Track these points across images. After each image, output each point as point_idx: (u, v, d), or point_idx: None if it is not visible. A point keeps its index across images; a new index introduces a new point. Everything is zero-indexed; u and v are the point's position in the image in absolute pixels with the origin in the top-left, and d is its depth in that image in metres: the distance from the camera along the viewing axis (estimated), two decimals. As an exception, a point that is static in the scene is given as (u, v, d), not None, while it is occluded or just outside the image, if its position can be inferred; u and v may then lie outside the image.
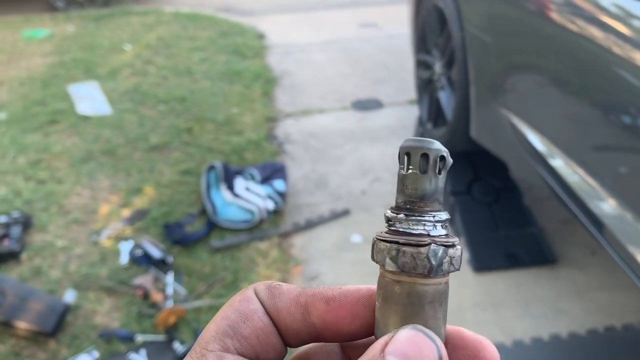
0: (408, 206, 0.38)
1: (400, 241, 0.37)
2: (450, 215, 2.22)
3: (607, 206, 1.69)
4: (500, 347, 2.03)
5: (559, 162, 1.89)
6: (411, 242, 0.37)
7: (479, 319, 2.17)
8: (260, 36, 5.28)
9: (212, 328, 0.35)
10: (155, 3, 6.46)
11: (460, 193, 2.62)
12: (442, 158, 0.38)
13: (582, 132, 1.84)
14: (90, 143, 3.47)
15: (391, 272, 0.37)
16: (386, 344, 0.32)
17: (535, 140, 1.99)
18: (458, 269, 0.38)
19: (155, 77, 4.42)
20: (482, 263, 2.40)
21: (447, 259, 0.37)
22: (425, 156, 0.38)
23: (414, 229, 0.38)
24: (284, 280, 2.39)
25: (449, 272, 0.38)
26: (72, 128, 3.66)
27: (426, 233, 0.38)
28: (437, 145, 0.38)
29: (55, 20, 5.85)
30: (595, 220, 1.72)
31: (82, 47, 5.10)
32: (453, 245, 0.38)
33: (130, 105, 3.96)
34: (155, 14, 5.91)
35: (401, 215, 0.38)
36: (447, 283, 0.38)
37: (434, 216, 0.38)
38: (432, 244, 0.37)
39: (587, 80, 1.77)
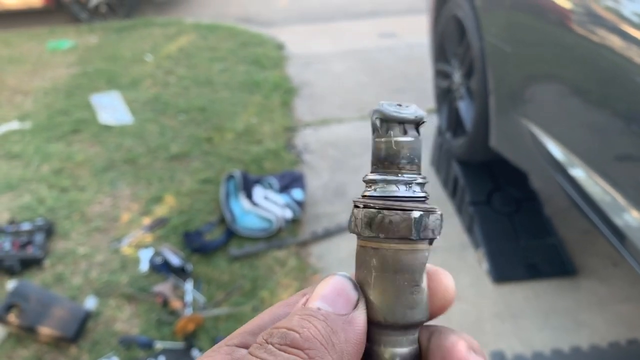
0: (383, 169, 0.37)
1: (372, 204, 0.36)
2: (470, 225, 2.19)
3: (629, 217, 1.67)
4: (519, 359, 2.01)
5: (579, 172, 1.87)
6: (386, 205, 0.35)
7: (498, 330, 2.15)
8: (280, 47, 5.32)
9: (247, 324, 0.38)
10: (177, 14, 6.55)
11: (480, 203, 2.60)
12: (419, 121, 0.37)
13: (604, 142, 1.83)
14: (112, 152, 3.53)
15: (365, 237, 0.36)
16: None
17: (555, 150, 1.97)
18: (436, 237, 0.37)
19: (176, 87, 4.47)
20: (502, 274, 2.38)
21: (425, 224, 0.36)
22: (400, 120, 0.37)
23: (389, 193, 0.36)
24: (300, 289, 2.39)
25: (426, 239, 0.36)
26: (94, 137, 3.72)
27: (403, 196, 0.36)
28: (412, 109, 0.37)
29: (79, 31, 5.96)
30: (617, 232, 1.70)
31: (105, 57, 5.19)
32: (432, 211, 0.36)
33: (151, 115, 4.01)
34: (176, 25, 5.99)
35: (376, 178, 0.37)
36: (424, 251, 0.36)
37: (411, 179, 0.37)
38: (412, 209, 0.35)
39: (608, 90, 1.76)
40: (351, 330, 0.34)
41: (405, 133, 0.37)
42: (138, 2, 6.43)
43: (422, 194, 0.37)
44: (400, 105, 0.37)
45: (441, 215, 0.37)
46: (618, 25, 1.65)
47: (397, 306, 0.36)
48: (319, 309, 0.34)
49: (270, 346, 0.32)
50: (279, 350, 0.32)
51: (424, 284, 0.37)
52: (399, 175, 0.36)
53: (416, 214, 0.35)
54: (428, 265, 0.37)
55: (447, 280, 0.38)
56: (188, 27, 5.89)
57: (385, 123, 0.37)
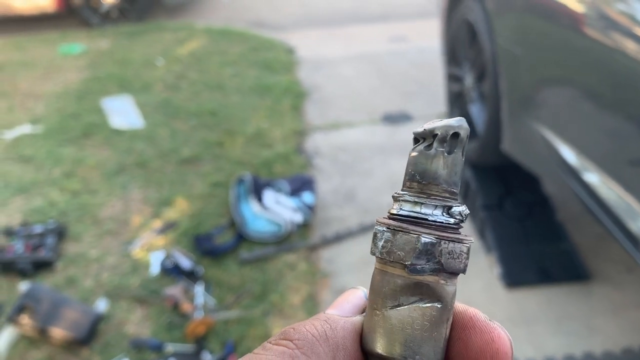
0: (413, 188, 0.34)
1: (388, 225, 0.33)
2: (481, 229, 2.18)
3: (643, 222, 1.65)
4: (532, 365, 1.99)
5: (593, 177, 1.86)
6: (398, 227, 0.32)
7: (510, 335, 2.13)
8: (290, 51, 5.34)
9: None
10: (188, 19, 6.59)
11: (492, 208, 2.59)
12: (456, 135, 0.33)
13: (618, 146, 1.81)
14: (123, 156, 3.54)
15: (378, 258, 0.34)
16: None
17: (569, 154, 1.96)
18: (449, 270, 0.32)
19: (187, 92, 4.49)
20: (514, 278, 2.36)
21: (438, 253, 0.32)
22: (453, 136, 0.33)
23: (408, 213, 0.33)
24: (312, 293, 2.39)
25: (434, 271, 0.32)
26: (105, 141, 3.74)
27: (423, 218, 0.33)
28: (462, 123, 0.33)
29: (90, 36, 6.01)
30: (632, 237, 1.68)
31: (116, 62, 5.22)
32: (458, 240, 0.32)
33: (162, 118, 4.03)
34: (187, 29, 6.02)
35: (403, 197, 0.34)
36: (448, 285, 0.32)
37: (440, 201, 0.33)
38: (423, 235, 0.32)
39: (622, 94, 1.74)
40: (351, 328, 0.34)
41: (449, 152, 0.33)
42: (149, 6, 6.47)
43: (450, 221, 0.33)
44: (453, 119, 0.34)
45: (467, 247, 0.33)
46: (631, 29, 1.64)
47: (396, 340, 0.33)
48: (325, 313, 0.36)
49: (267, 343, 0.33)
50: (273, 345, 0.33)
51: (438, 322, 0.33)
52: (452, 202, 0.33)
53: (424, 240, 0.32)
54: (478, 316, 0.34)
55: (499, 343, 0.34)
56: (199, 32, 5.92)
57: (448, 138, 0.33)
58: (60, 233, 2.75)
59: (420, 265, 0.32)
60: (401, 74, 4.70)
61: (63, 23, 6.49)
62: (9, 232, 2.74)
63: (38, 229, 2.74)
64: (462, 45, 2.85)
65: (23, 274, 2.53)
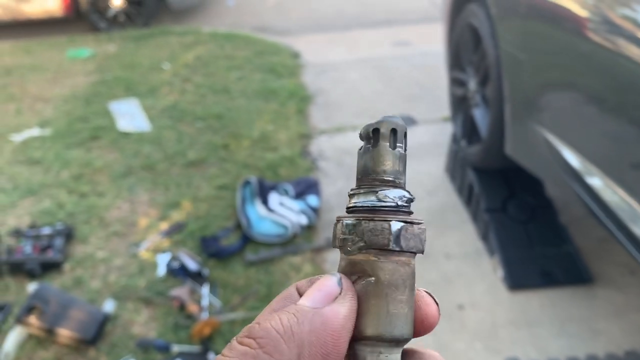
0: (368, 182, 0.37)
1: (352, 217, 0.36)
2: (484, 232, 2.18)
3: (645, 224, 1.67)
4: (535, 366, 2.01)
5: (596, 180, 1.87)
6: (366, 217, 0.35)
7: (513, 337, 2.15)
8: (296, 55, 5.37)
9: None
10: (194, 23, 6.63)
11: (495, 210, 2.60)
12: (395, 131, 0.37)
13: (621, 150, 1.83)
14: (130, 158, 3.58)
15: (345, 249, 0.36)
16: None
17: (572, 157, 1.98)
18: (419, 250, 0.36)
19: (193, 95, 4.53)
20: (517, 281, 2.38)
21: (405, 235, 0.35)
22: (374, 131, 0.37)
23: (370, 204, 0.36)
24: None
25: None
26: (113, 144, 3.78)
27: (384, 206, 0.36)
28: (397, 119, 0.37)
29: (98, 40, 6.06)
30: (635, 240, 1.70)
31: (123, 66, 5.27)
32: (414, 223, 0.36)
33: (168, 122, 4.06)
34: (193, 34, 6.06)
35: (359, 191, 0.37)
36: (405, 264, 0.35)
37: (369, 189, 0.36)
38: (392, 220, 0.35)
39: (625, 98, 1.76)
40: (319, 321, 0.33)
41: (393, 145, 0.37)
42: (156, 11, 6.52)
43: (406, 207, 0.37)
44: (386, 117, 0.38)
45: (424, 229, 0.36)
46: (635, 33, 1.65)
47: (371, 319, 0.35)
48: (297, 304, 0.35)
49: (233, 341, 0.33)
50: (237, 343, 0.33)
51: (406, 298, 0.35)
52: (382, 188, 0.36)
53: (397, 225, 0.35)
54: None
55: (427, 308, 0.37)
56: (205, 36, 5.96)
57: (371, 134, 0.37)
58: (68, 234, 2.79)
59: (348, 246, 0.35)
60: (405, 78, 4.72)
61: (71, 27, 6.55)
62: (18, 234, 2.77)
63: (46, 230, 2.78)
64: (466, 49, 2.87)
65: (31, 275, 2.56)
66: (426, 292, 0.37)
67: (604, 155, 1.89)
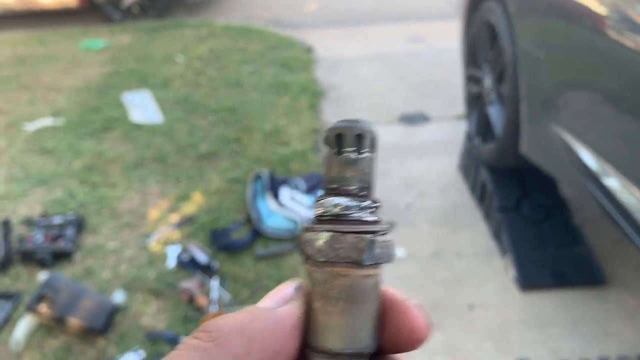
0: (331, 189, 0.36)
1: (314, 228, 0.35)
2: (497, 231, 2.16)
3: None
4: (546, 368, 1.99)
5: (612, 182, 1.85)
6: (330, 229, 0.35)
7: (525, 338, 2.12)
8: (309, 50, 5.35)
9: None
10: (207, 16, 6.63)
11: (508, 210, 2.58)
12: (361, 137, 0.35)
13: (639, 150, 1.80)
14: (142, 150, 3.58)
15: (308, 261, 0.36)
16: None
17: (588, 158, 1.95)
18: (380, 262, 0.35)
19: (205, 88, 4.53)
20: (530, 281, 2.35)
21: (369, 248, 0.34)
22: (357, 137, 0.35)
23: (335, 214, 0.35)
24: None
25: (371, 265, 0.34)
26: (125, 135, 3.78)
27: (350, 220, 0.35)
28: (366, 125, 0.36)
29: (112, 31, 6.07)
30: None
31: (136, 57, 5.27)
32: (379, 234, 0.35)
33: (181, 114, 4.06)
34: (207, 26, 6.06)
35: (322, 200, 0.36)
36: (367, 277, 0.34)
37: (360, 200, 0.36)
38: (354, 232, 0.34)
39: (644, 97, 1.73)
40: (272, 319, 0.34)
41: (359, 152, 0.36)
42: (169, 3, 6.52)
43: (369, 216, 0.36)
44: (354, 120, 0.36)
45: (390, 241, 0.36)
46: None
47: (329, 333, 0.35)
48: (254, 305, 0.36)
49: (188, 337, 0.34)
50: (192, 337, 0.33)
51: (368, 311, 0.35)
52: (349, 197, 0.36)
53: (362, 239, 0.34)
54: (396, 297, 0.36)
55: (415, 321, 0.36)
56: (218, 29, 5.95)
57: (338, 139, 0.36)
58: (80, 225, 2.79)
59: (310, 253, 0.35)
60: (419, 75, 4.69)
61: (85, 18, 6.57)
62: (30, 223, 2.78)
63: (58, 220, 2.79)
64: (482, 46, 2.84)
65: (42, 264, 2.57)
66: (416, 304, 0.37)
67: (621, 156, 1.86)
